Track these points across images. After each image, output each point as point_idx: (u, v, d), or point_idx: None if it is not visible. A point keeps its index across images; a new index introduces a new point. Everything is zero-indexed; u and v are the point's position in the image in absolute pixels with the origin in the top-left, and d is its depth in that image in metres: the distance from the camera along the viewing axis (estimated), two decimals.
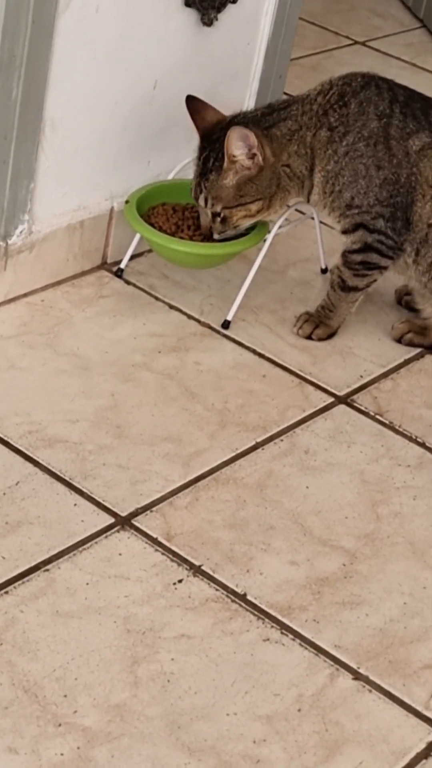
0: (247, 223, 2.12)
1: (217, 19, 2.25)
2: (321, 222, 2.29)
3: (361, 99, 2.09)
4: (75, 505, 1.77)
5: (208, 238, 2.13)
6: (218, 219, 2.09)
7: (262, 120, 2.09)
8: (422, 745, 1.54)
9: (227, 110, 2.17)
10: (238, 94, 2.38)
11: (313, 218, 2.29)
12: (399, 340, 2.24)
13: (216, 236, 2.11)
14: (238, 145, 2.03)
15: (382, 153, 2.08)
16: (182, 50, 2.23)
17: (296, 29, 2.49)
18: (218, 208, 2.08)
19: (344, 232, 2.15)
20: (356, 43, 3.36)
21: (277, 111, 2.10)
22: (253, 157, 2.04)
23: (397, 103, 2.10)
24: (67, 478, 1.81)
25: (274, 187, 2.08)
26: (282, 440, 1.96)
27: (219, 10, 2.24)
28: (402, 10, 3.61)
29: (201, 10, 2.21)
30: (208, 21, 2.23)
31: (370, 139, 2.08)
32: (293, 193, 2.12)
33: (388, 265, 2.16)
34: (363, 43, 3.36)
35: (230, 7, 2.27)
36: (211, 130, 2.09)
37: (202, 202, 2.10)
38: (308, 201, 2.14)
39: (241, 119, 2.09)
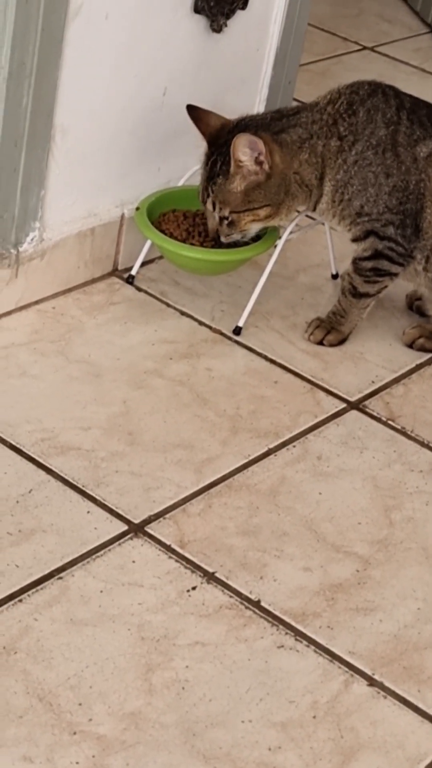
0: (255, 227, 2.11)
1: (226, 26, 2.25)
2: (331, 227, 2.29)
3: (369, 107, 2.09)
4: (88, 512, 1.77)
5: (216, 242, 2.13)
6: (225, 222, 2.09)
7: (271, 124, 2.09)
8: None
9: (236, 116, 2.17)
10: (248, 101, 2.38)
11: (323, 224, 2.29)
12: (410, 345, 2.23)
13: (223, 239, 2.11)
14: (245, 151, 2.03)
15: (391, 160, 2.08)
16: (191, 56, 2.23)
17: (305, 35, 2.49)
18: (226, 213, 2.08)
19: (355, 239, 2.15)
20: (365, 48, 3.36)
21: (287, 117, 2.10)
22: (260, 163, 2.04)
23: (404, 110, 2.10)
24: (80, 486, 1.81)
25: (283, 194, 2.08)
26: (294, 446, 1.96)
27: (228, 16, 2.24)
28: (410, 16, 3.61)
29: (210, 16, 2.21)
30: (217, 27, 2.23)
31: (378, 146, 2.08)
32: (300, 200, 2.12)
33: (399, 271, 2.16)
34: (372, 49, 3.36)
35: (239, 13, 2.27)
36: (217, 134, 2.09)
37: (209, 206, 2.10)
38: (314, 209, 2.14)
39: (249, 122, 2.09)
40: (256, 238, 2.19)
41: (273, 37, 2.37)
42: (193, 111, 2.13)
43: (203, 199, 2.11)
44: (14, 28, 1.92)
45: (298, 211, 2.17)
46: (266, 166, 2.05)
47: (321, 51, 3.28)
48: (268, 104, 2.41)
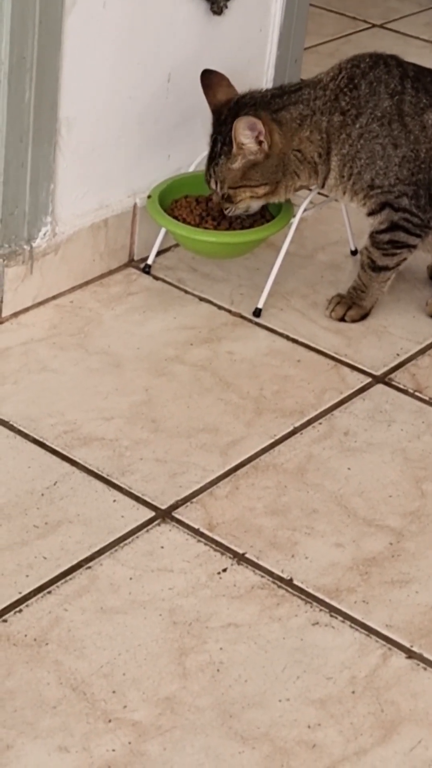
0: (255, 204, 2.10)
1: (226, 7, 2.23)
2: (346, 205, 2.26)
3: (371, 79, 2.06)
4: (114, 501, 1.75)
5: (229, 223, 2.11)
6: (225, 198, 2.08)
7: (271, 102, 2.07)
8: None
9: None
10: (254, 82, 2.35)
11: (338, 200, 2.26)
12: None
13: (226, 213, 2.11)
14: (246, 134, 2.02)
15: (398, 131, 2.05)
16: (194, 41, 2.21)
17: (313, 17, 2.46)
18: (225, 189, 2.07)
19: (371, 213, 2.12)
20: (374, 26, 3.32)
21: (288, 94, 2.08)
22: (260, 143, 2.03)
23: (407, 79, 2.07)
24: (104, 475, 1.79)
25: (281, 173, 2.06)
26: (320, 423, 1.94)
27: None
28: None
29: None
30: (217, 9, 2.21)
31: (383, 118, 2.05)
32: (303, 178, 2.10)
33: (416, 243, 2.13)
34: (381, 26, 3.33)
35: None
36: (220, 110, 2.08)
37: (213, 185, 2.09)
38: (323, 186, 2.12)
39: (249, 100, 2.07)
40: (271, 217, 2.17)
41: (275, 16, 2.34)
42: (206, 77, 2.11)
43: (207, 179, 2.10)
44: (12, 22, 1.90)
45: (310, 189, 2.15)
46: (265, 146, 2.03)
47: (330, 32, 3.25)
48: (275, 84, 2.39)
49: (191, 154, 2.25)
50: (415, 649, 1.59)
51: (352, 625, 1.61)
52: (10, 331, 2.07)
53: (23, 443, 1.84)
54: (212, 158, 2.08)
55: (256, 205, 2.11)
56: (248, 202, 2.09)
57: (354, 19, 3.34)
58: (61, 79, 2.02)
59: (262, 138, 2.02)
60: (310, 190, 2.16)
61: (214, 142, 2.08)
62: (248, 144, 2.02)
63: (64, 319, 2.11)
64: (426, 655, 1.58)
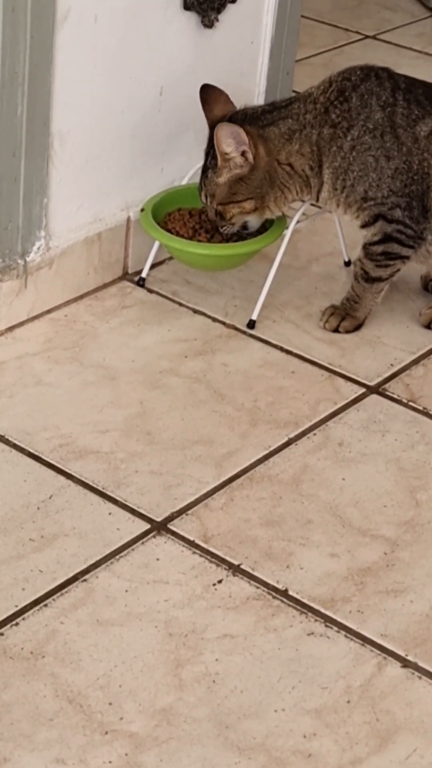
0: (252, 219, 2.12)
1: (218, 20, 2.24)
2: (340, 218, 2.27)
3: (362, 92, 2.07)
4: (110, 513, 1.76)
5: (223, 236, 2.12)
6: (218, 215, 2.10)
7: (261, 117, 2.08)
8: None
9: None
10: (247, 94, 2.37)
11: (331, 211, 2.27)
12: (428, 326, 2.21)
13: (222, 230, 2.11)
14: (228, 142, 2.03)
15: (390, 143, 2.06)
16: (185, 54, 2.22)
17: (305, 28, 2.47)
18: (214, 205, 2.08)
19: (364, 225, 2.13)
20: (367, 37, 3.34)
21: (278, 109, 2.10)
22: (244, 154, 2.04)
23: (399, 90, 2.08)
24: (100, 488, 1.80)
25: (267, 186, 2.08)
26: (315, 434, 1.94)
27: (219, 10, 2.23)
28: (411, 2, 3.59)
29: (200, 12, 2.20)
30: (208, 23, 2.22)
31: (375, 130, 2.06)
32: (293, 192, 2.11)
33: (410, 254, 2.14)
34: (374, 37, 3.34)
35: (230, 7, 2.26)
36: (215, 124, 2.09)
37: (203, 198, 2.11)
38: (317, 200, 2.13)
39: (241, 116, 2.08)
40: (264, 229, 2.18)
41: (267, 28, 2.35)
42: (204, 92, 2.12)
43: (199, 192, 2.12)
44: (2, 38, 1.92)
45: (303, 201, 2.16)
46: (250, 157, 2.04)
47: (323, 44, 3.26)
48: (268, 96, 2.40)
49: (184, 167, 2.26)
50: (410, 658, 1.59)
51: (347, 635, 1.62)
52: (4, 345, 2.07)
53: (19, 457, 1.85)
54: (203, 172, 2.10)
55: (255, 222, 2.13)
56: (240, 218, 2.10)
57: (347, 31, 3.36)
58: (53, 93, 2.03)
59: (245, 148, 2.03)
60: (303, 201, 2.17)
61: (206, 156, 2.10)
62: (232, 154, 2.04)
63: (59, 333, 2.12)
64: (421, 664, 1.59)
